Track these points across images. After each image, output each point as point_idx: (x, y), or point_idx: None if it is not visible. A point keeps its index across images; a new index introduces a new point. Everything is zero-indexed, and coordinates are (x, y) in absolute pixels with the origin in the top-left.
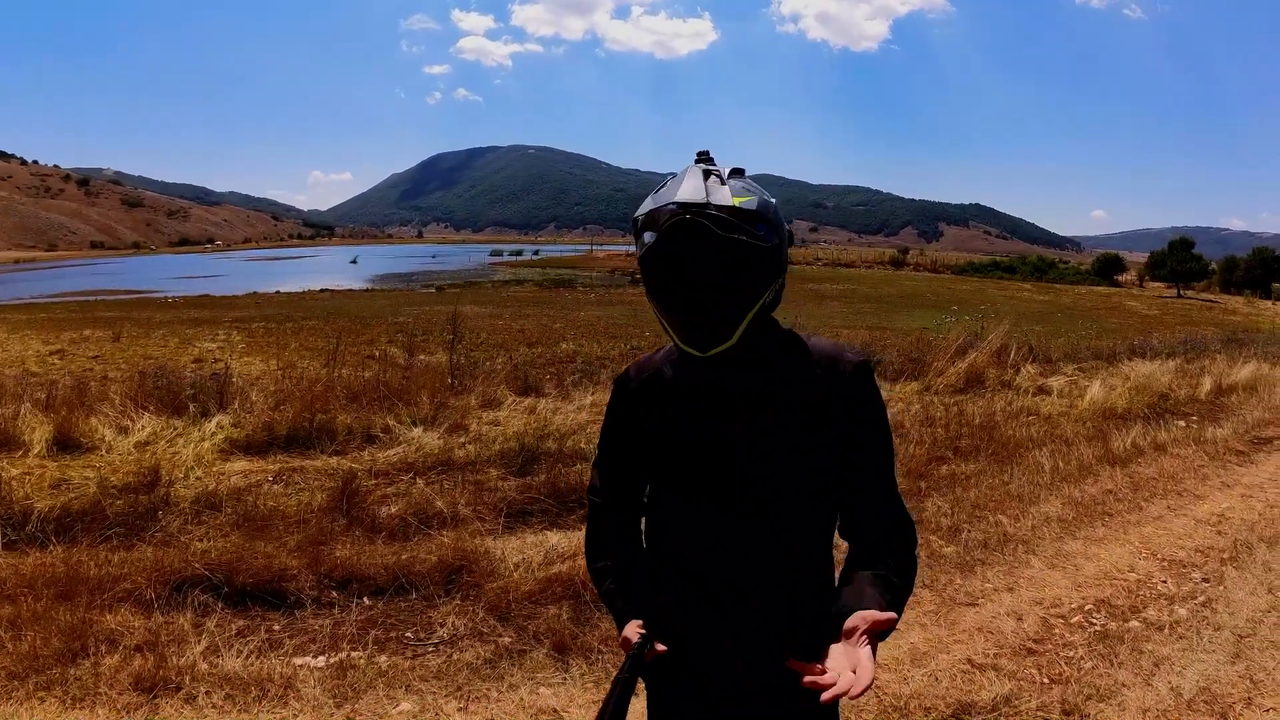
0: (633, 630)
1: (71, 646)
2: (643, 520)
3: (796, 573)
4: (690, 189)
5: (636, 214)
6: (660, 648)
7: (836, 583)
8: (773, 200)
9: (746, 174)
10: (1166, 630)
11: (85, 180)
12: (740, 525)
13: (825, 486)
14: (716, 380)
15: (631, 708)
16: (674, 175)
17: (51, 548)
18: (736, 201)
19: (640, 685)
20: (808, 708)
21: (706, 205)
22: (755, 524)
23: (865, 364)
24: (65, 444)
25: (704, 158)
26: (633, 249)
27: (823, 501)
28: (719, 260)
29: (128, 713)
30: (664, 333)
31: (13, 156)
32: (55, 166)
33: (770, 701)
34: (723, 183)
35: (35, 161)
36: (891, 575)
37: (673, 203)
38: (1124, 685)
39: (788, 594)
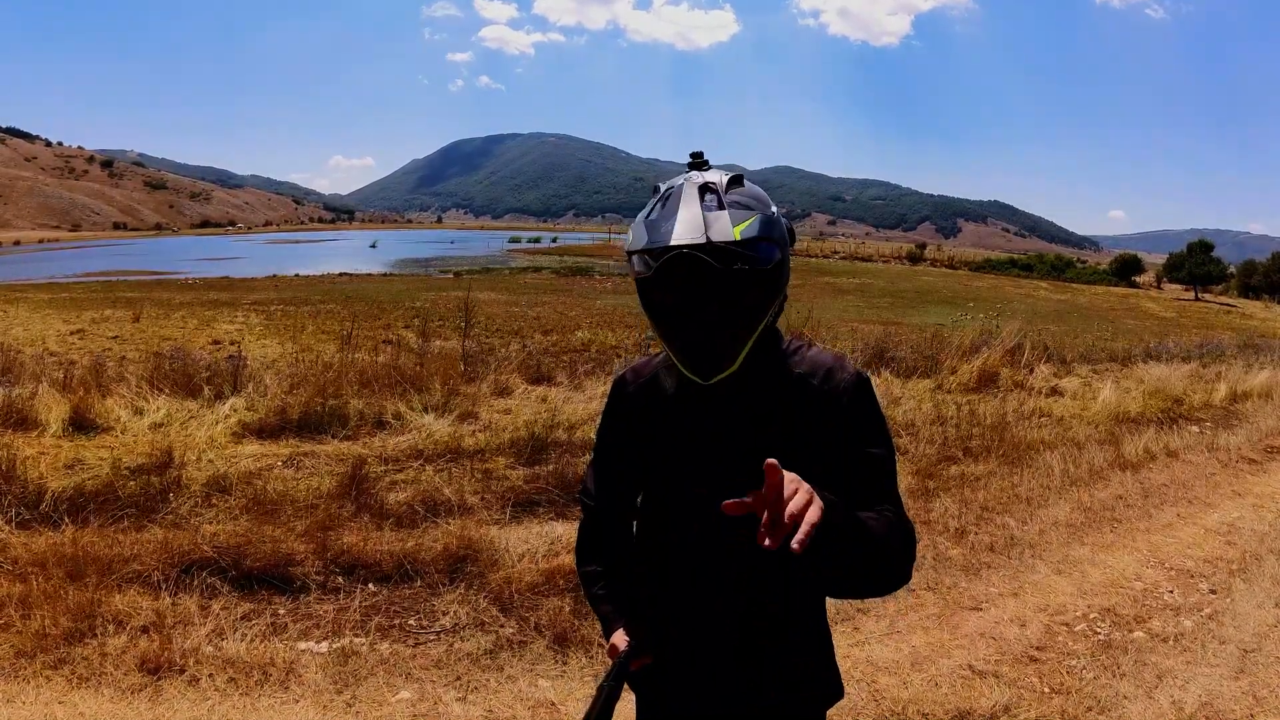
0: (620, 638)
1: (79, 626)
2: (634, 525)
3: (781, 589)
4: (688, 223)
5: (629, 247)
6: (646, 659)
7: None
8: (772, 209)
9: (750, 171)
10: (1171, 642)
11: (109, 162)
12: (724, 540)
13: None
14: (712, 394)
15: (622, 712)
16: (669, 191)
17: (64, 527)
18: (738, 233)
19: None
20: (790, 715)
21: (706, 243)
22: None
23: (863, 380)
24: (81, 424)
25: (698, 161)
26: None
27: None
28: (720, 294)
29: (132, 694)
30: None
31: (38, 138)
32: (80, 148)
33: (751, 712)
34: (720, 203)
35: (60, 143)
36: (872, 518)
37: (669, 244)
38: (1125, 698)
39: (771, 610)
